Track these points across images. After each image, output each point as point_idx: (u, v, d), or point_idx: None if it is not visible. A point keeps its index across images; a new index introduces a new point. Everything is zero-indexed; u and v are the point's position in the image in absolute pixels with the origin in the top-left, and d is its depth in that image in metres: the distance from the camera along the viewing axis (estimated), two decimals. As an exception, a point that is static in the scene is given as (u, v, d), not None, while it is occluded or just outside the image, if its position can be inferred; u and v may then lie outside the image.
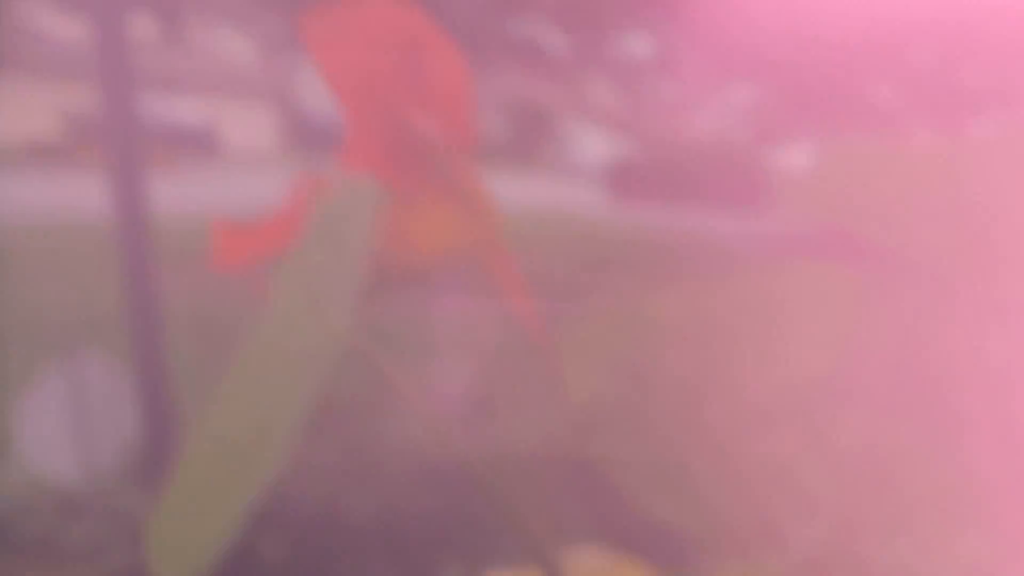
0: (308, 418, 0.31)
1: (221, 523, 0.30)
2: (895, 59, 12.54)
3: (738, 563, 0.44)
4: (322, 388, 0.32)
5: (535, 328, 0.49)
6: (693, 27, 10.38)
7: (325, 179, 0.44)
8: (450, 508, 2.54)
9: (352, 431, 2.78)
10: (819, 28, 9.91)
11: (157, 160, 19.73)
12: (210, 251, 0.43)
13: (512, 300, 0.49)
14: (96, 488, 2.69)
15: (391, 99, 0.45)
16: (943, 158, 0.40)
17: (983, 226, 0.45)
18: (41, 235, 9.61)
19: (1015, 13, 11.14)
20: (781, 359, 0.53)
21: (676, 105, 17.04)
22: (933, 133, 15.10)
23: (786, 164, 22.57)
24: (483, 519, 2.59)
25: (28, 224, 10.25)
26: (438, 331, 5.75)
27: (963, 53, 12.16)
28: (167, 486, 0.31)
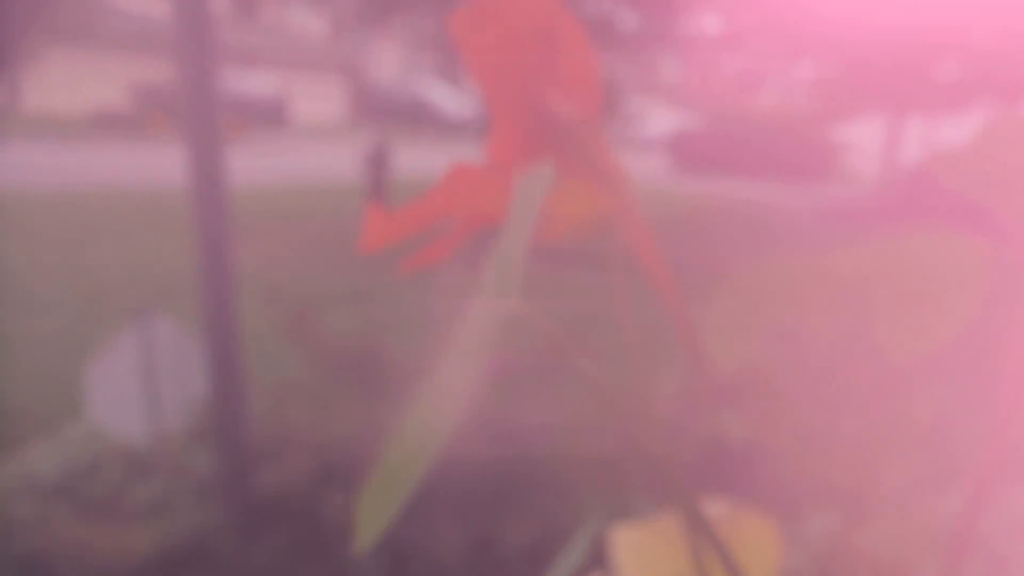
0: (470, 390, 0.32)
1: (408, 489, 0.32)
2: (960, 35, 12.43)
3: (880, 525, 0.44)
4: (484, 363, 0.33)
5: (673, 298, 0.49)
6: (758, 1, 10.33)
7: (474, 168, 0.45)
8: (522, 465, 2.55)
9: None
10: (883, 3, 9.83)
11: (231, 129, 19.88)
12: (361, 233, 0.43)
13: (650, 271, 0.49)
14: (164, 448, 2.72)
15: (532, 83, 0.46)
16: None
17: None
18: (114, 201, 9.69)
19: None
20: (916, 326, 0.53)
21: (742, 79, 16.93)
22: (995, 108, 14.96)
23: (851, 138, 22.44)
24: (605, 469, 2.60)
25: (100, 192, 10.35)
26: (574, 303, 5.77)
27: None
28: (376, 466, 0.33)
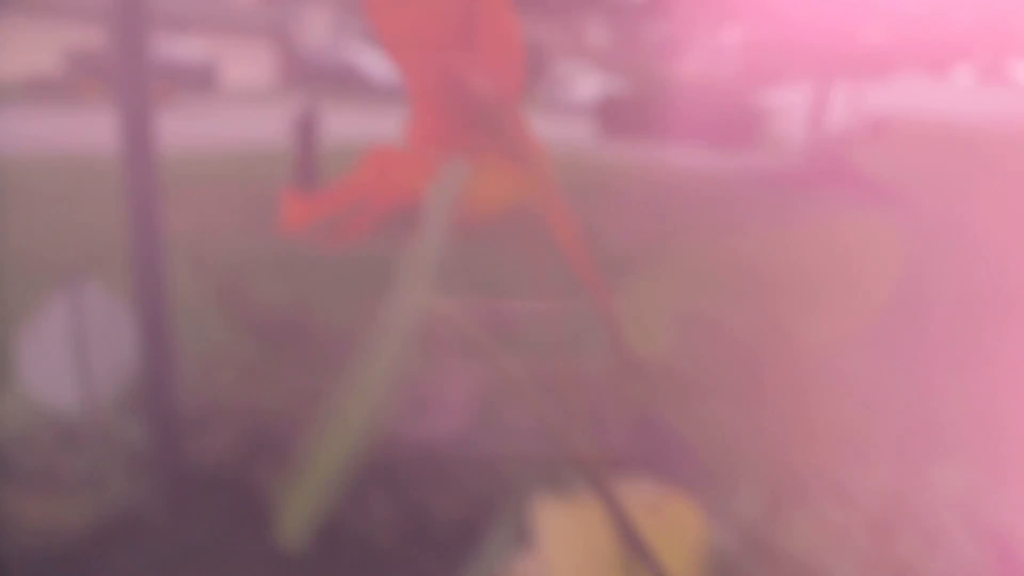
0: (398, 380, 0.32)
1: (333, 479, 0.32)
2: (885, 1, 12.54)
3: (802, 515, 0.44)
4: (407, 353, 0.33)
5: (593, 281, 0.48)
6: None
7: (392, 151, 0.44)
8: (497, 440, 2.55)
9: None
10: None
11: (161, 94, 19.76)
12: (278, 214, 0.42)
13: (569, 252, 0.48)
14: (95, 419, 2.69)
15: (450, 62, 0.44)
16: (997, 146, 0.39)
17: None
18: (44, 168, 9.61)
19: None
20: (827, 310, 0.53)
21: (668, 45, 17.03)
22: (921, 74, 15.15)
23: (778, 103, 22.61)
24: (530, 452, 2.60)
25: (31, 157, 10.24)
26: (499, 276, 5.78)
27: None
28: (303, 456, 0.33)
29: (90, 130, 11.72)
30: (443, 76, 0.45)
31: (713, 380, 0.47)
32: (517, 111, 0.47)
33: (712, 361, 0.47)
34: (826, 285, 0.53)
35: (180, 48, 25.73)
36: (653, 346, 0.52)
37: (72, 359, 2.67)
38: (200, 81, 25.91)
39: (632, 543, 0.45)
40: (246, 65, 31.62)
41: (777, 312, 0.47)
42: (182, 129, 14.34)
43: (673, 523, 0.61)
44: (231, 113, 20.03)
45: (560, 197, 0.48)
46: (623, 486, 0.62)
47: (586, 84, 29.50)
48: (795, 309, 0.50)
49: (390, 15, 0.44)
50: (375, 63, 29.75)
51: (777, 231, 0.51)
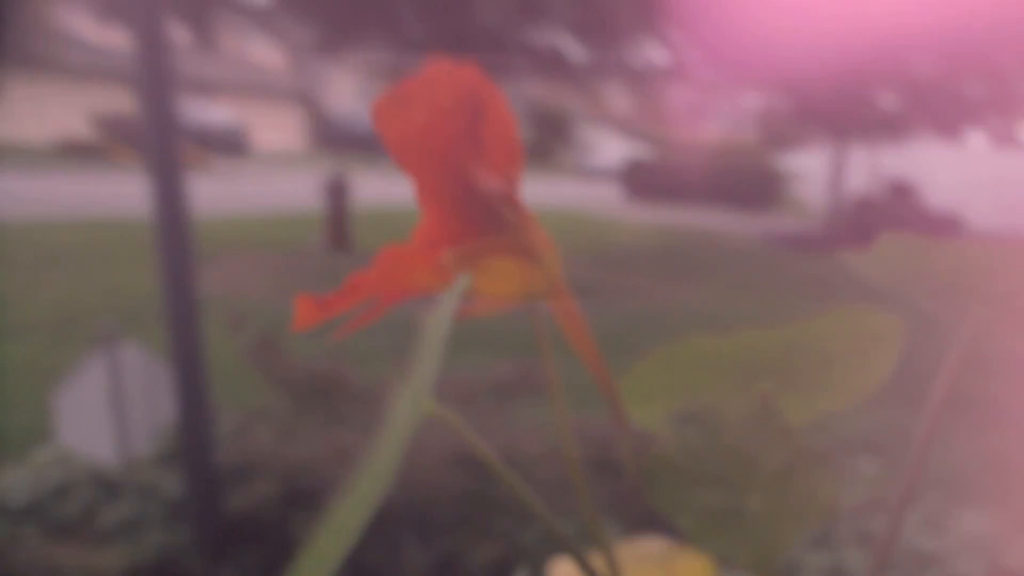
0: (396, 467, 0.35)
1: (350, 537, 0.35)
2: (899, 69, 12.55)
3: None
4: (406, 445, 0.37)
5: (599, 369, 0.50)
6: (706, 36, 10.40)
7: (403, 250, 0.46)
8: (484, 495, 2.57)
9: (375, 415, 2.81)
10: (827, 38, 9.92)
11: (192, 158, 19.81)
12: (294, 317, 0.45)
13: (575, 340, 0.50)
14: (133, 471, 2.73)
15: (457, 160, 0.46)
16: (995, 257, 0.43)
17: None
18: (82, 230, 9.65)
19: (1011, 30, 11.16)
20: (830, 392, 0.55)
21: (692, 110, 17.04)
22: (934, 139, 15.14)
23: (797, 167, 22.58)
24: (519, 507, 2.61)
25: (68, 220, 10.30)
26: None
27: (963, 64, 12.19)
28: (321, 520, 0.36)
29: (124, 194, 11.76)
30: (450, 174, 0.47)
31: (707, 472, 0.49)
32: (523, 206, 0.48)
33: (706, 448, 0.49)
34: (822, 377, 0.55)
35: (211, 113, 25.80)
36: (655, 425, 0.54)
37: (110, 415, 2.71)
38: (231, 145, 25.95)
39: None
40: (276, 130, 31.70)
41: (773, 401, 0.49)
42: (214, 192, 14.38)
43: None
44: (262, 177, 20.08)
45: (566, 290, 0.50)
46: (633, 542, 0.65)
47: (611, 149, 29.47)
48: (791, 398, 0.53)
49: (398, 119, 0.46)
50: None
51: (779, 326, 0.54)
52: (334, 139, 30.19)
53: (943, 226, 16.53)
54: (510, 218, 0.48)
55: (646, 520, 2.55)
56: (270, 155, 28.11)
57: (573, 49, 11.91)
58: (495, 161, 0.47)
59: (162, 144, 2.44)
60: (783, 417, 0.47)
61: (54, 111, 23.87)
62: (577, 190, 22.39)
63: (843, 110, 13.53)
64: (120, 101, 23.72)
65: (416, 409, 0.37)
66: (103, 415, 2.72)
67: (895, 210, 16.90)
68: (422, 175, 0.48)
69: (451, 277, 0.44)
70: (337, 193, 9.10)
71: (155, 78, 2.41)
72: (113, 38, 23.98)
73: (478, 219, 0.48)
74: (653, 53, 12.18)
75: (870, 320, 0.53)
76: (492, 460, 0.42)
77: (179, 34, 12.55)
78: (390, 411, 0.38)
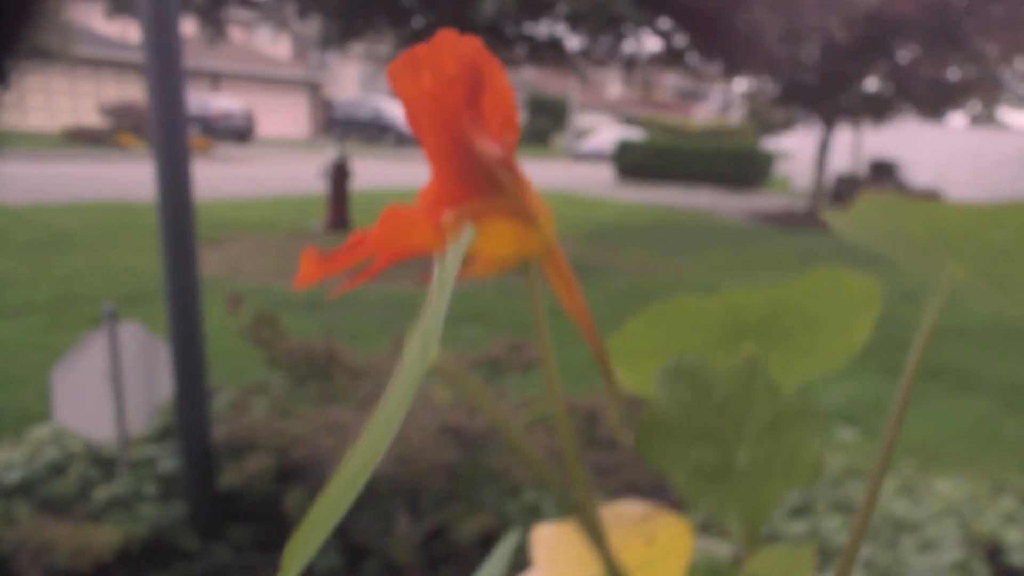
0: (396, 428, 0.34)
1: (333, 524, 0.33)
2: (883, 54, 12.65)
3: (774, 550, 0.44)
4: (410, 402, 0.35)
5: (590, 330, 0.49)
6: (701, 25, 10.43)
7: (406, 210, 0.44)
8: (473, 461, 2.55)
9: (371, 390, 2.78)
10: (814, 24, 9.98)
11: (199, 144, 19.92)
12: (298, 272, 0.43)
13: (566, 300, 0.49)
14: (128, 448, 2.69)
15: (460, 126, 0.45)
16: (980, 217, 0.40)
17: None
18: (83, 213, 9.64)
19: (990, 15, 11.26)
20: (806, 360, 0.54)
21: (682, 95, 17.14)
22: (918, 119, 15.26)
23: (782, 148, 22.71)
24: (507, 475, 2.60)
25: (70, 204, 10.29)
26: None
27: (944, 50, 12.31)
28: (310, 515, 0.34)
29: (127, 177, 11.73)
30: (454, 138, 0.46)
31: (698, 429, 0.48)
32: (520, 171, 0.47)
33: (696, 404, 0.48)
34: (804, 340, 0.54)
35: (219, 102, 25.99)
36: (644, 387, 0.52)
37: (108, 393, 2.68)
38: (237, 132, 26.16)
39: (626, 550, 0.45)
40: (281, 118, 31.89)
41: (760, 358, 0.47)
42: (219, 176, 14.41)
43: (663, 539, 0.61)
44: (267, 163, 20.15)
45: (560, 252, 0.49)
46: (613, 506, 0.62)
47: (606, 133, 29.68)
48: (774, 361, 0.50)
49: (408, 87, 0.45)
50: (401, 114, 30.16)
51: (764, 287, 0.51)
52: (337, 126, 30.43)
53: (923, 200, 16.71)
54: (507, 182, 0.48)
55: (627, 492, 2.52)
56: (275, 141, 28.30)
57: (569, 38, 11.97)
58: (493, 128, 0.48)
59: (169, 131, 2.43)
60: (769, 374, 0.46)
61: (64, 100, 24.03)
62: (571, 172, 22.56)
63: (828, 93, 13.63)
64: (129, 91, 23.87)
65: (424, 355, 0.37)
66: (101, 394, 2.69)
67: (877, 187, 17.03)
68: (428, 138, 0.48)
69: (450, 237, 0.42)
70: (339, 176, 9.10)
71: (163, 69, 2.40)
72: (124, 31, 24.20)
73: (478, 182, 0.48)
74: (646, 41, 12.21)
75: (850, 283, 0.51)
76: (494, 409, 0.40)
77: (188, 27, 12.58)
78: (399, 364, 0.38)
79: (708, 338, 0.53)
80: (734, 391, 0.47)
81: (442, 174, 0.47)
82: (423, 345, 0.37)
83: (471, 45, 0.45)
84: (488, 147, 0.45)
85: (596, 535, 0.45)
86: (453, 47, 0.45)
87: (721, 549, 2.24)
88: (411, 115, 0.46)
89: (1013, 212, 0.40)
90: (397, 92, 0.46)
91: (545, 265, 0.49)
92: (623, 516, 0.62)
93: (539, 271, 0.49)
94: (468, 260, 0.47)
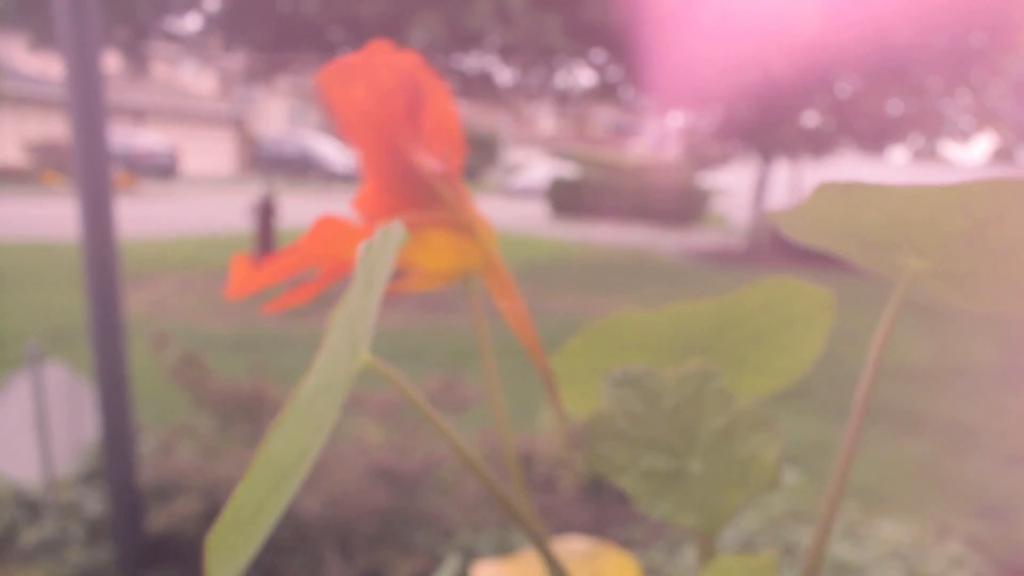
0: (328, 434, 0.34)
1: (265, 528, 0.33)
2: (822, 87, 12.71)
3: (733, 557, 0.44)
4: (340, 407, 0.35)
5: (533, 345, 0.50)
6: (636, 58, 10.45)
7: (342, 222, 0.45)
8: (405, 503, 2.55)
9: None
10: (751, 58, 10.03)
11: (122, 182, 19.77)
12: (228, 280, 0.44)
13: (511, 317, 0.50)
14: (56, 490, 2.68)
15: (398, 138, 0.46)
16: (930, 199, 0.41)
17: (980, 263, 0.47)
18: (6, 253, 9.55)
19: (931, 49, 11.35)
20: (761, 371, 0.54)
21: (616, 130, 17.18)
22: (859, 155, 15.34)
23: (721, 184, 22.79)
24: (440, 517, 2.60)
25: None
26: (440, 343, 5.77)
27: (884, 83, 12.36)
28: (230, 502, 0.34)
29: (51, 216, 11.62)
30: (391, 150, 0.46)
31: (648, 436, 0.48)
32: (460, 185, 0.48)
33: (645, 412, 0.48)
34: (753, 354, 0.54)
35: (143, 139, 25.84)
36: (584, 407, 0.53)
37: (34, 434, 2.66)
38: (161, 169, 26.01)
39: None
40: (206, 154, 31.70)
41: (710, 372, 0.48)
42: (143, 215, 14.31)
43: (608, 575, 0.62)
44: (191, 200, 20.03)
45: (503, 266, 0.50)
46: (560, 543, 0.64)
47: (538, 169, 29.63)
48: (727, 369, 0.51)
49: (340, 95, 0.46)
50: (331, 150, 29.94)
51: (709, 298, 0.52)
52: (264, 163, 30.27)
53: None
54: (447, 196, 0.48)
55: (568, 531, 2.53)
56: (201, 178, 28.11)
57: (500, 72, 11.96)
58: (436, 145, 0.48)
59: (92, 169, 2.42)
60: (720, 380, 0.47)
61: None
62: (503, 210, 22.52)
63: (767, 128, 13.68)
64: (52, 129, 23.66)
65: (354, 354, 0.37)
66: (26, 435, 2.68)
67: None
68: (362, 148, 0.48)
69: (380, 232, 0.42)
70: (265, 212, 9.06)
71: (86, 104, 2.39)
72: (45, 68, 23.98)
73: (416, 195, 0.48)
74: (579, 74, 12.25)
75: (801, 293, 0.52)
76: (425, 407, 0.41)
77: (111, 62, 12.48)
78: (322, 354, 0.38)
79: (652, 356, 0.53)
80: (685, 398, 0.47)
81: (377, 185, 0.48)
82: (352, 344, 0.37)
83: (409, 60, 0.46)
84: (427, 161, 0.46)
85: (555, 568, 0.46)
86: (389, 60, 0.45)
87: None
88: (343, 124, 0.47)
89: (978, 192, 0.40)
90: (326, 100, 0.46)
91: (487, 279, 0.49)
92: (570, 552, 0.63)
93: (480, 286, 0.50)
94: (405, 273, 0.48)
